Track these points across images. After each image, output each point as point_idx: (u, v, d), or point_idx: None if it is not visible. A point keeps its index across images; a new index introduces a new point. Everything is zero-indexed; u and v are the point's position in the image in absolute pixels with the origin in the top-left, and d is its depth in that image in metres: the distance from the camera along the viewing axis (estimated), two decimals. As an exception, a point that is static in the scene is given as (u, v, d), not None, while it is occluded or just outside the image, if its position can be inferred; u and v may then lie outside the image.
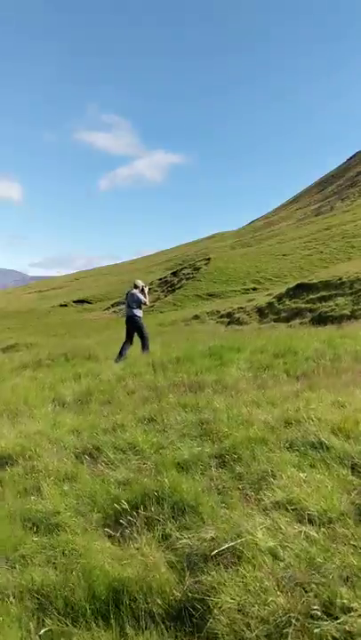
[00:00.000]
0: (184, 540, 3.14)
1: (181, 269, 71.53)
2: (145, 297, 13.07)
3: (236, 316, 38.71)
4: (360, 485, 3.35)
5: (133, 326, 13.00)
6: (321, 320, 30.64)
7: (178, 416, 5.56)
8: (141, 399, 7.69)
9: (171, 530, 3.32)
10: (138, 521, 3.49)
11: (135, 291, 13.05)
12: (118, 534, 3.45)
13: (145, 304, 13.13)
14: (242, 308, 40.18)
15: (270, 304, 37.73)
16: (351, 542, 2.68)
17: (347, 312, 29.40)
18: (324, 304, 32.18)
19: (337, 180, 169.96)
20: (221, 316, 41.18)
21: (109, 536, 3.51)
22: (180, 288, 60.76)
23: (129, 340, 13.20)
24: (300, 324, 31.46)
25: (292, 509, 3.14)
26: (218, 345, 11.41)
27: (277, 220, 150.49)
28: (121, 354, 12.69)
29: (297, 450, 4.14)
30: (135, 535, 3.35)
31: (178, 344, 14.06)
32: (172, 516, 3.51)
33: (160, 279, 71.79)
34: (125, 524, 3.53)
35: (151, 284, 71.04)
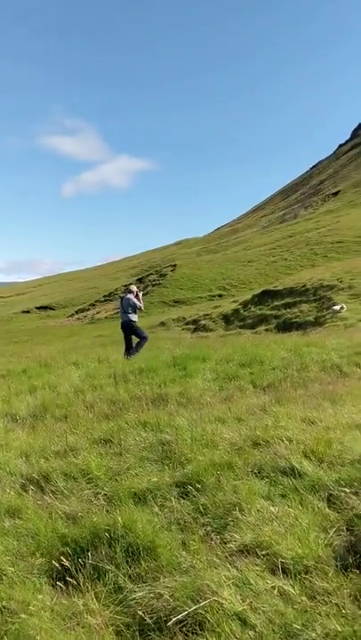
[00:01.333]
0: (138, 594, 2.68)
1: (147, 276, 71.07)
2: (140, 302, 13.26)
3: (202, 322, 38.46)
4: (338, 521, 2.98)
5: (130, 330, 13.25)
6: (286, 327, 30.65)
7: (137, 436, 5.10)
8: (100, 414, 7.20)
9: (123, 580, 2.85)
10: (86, 567, 3.01)
11: (130, 296, 13.26)
12: (63, 584, 2.96)
13: (140, 309, 13.37)
14: (208, 314, 39.97)
15: (236, 311, 37.63)
16: (333, 600, 2.29)
17: (311, 318, 29.47)
18: (288, 310, 32.23)
19: (300, 188, 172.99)
20: (187, 323, 40.86)
21: (53, 586, 3.02)
22: (145, 295, 60.20)
23: (129, 344, 13.49)
24: (266, 330, 31.43)
25: (263, 555, 2.73)
26: (183, 354, 10.99)
27: (243, 226, 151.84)
28: (128, 353, 13.09)
29: (266, 476, 3.74)
30: (83, 586, 2.88)
31: (142, 353, 13.62)
32: (126, 561, 3.05)
33: (125, 285, 71.04)
34: (73, 571, 3.05)
35: (116, 290, 70.33)
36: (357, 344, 10.45)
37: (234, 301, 42.24)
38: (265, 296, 36.75)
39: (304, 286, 34.70)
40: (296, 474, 3.60)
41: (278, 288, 36.97)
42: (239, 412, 6.07)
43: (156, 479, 3.93)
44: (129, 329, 13.26)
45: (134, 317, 13.28)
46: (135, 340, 13.55)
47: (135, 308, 13.18)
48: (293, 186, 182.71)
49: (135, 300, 13.13)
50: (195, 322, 39.87)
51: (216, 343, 15.17)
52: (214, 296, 55.22)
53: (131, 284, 63.32)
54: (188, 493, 3.70)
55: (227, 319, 37.17)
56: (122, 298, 13.64)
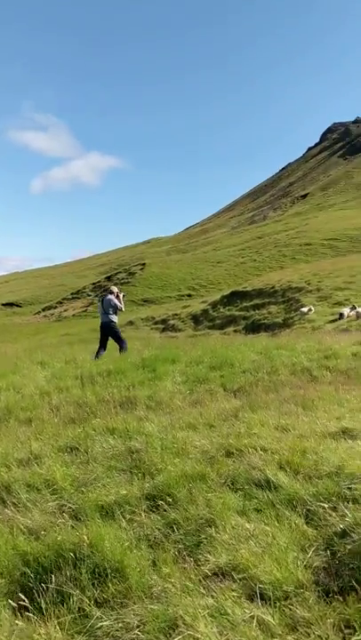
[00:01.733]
0: (105, 622, 2.48)
1: (116, 274, 70.53)
2: (120, 303, 13.30)
3: (171, 322, 38.33)
4: (316, 540, 2.84)
5: (109, 332, 13.23)
6: (254, 328, 30.81)
7: (105, 443, 4.88)
8: (67, 418, 6.95)
9: (89, 605, 2.65)
10: (49, 590, 2.80)
11: (111, 296, 13.23)
12: (24, 609, 2.74)
13: (121, 310, 13.36)
14: (177, 314, 39.85)
15: (205, 311, 37.63)
16: (315, 631, 2.14)
17: (279, 320, 29.69)
18: (257, 312, 32.40)
19: (270, 189, 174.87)
20: (156, 323, 40.68)
21: (13, 611, 2.79)
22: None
23: (103, 346, 13.44)
24: (235, 331, 31.55)
25: (240, 579, 2.57)
26: (152, 356, 10.79)
27: (213, 227, 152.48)
28: (97, 356, 12.94)
29: (241, 489, 3.59)
30: (46, 612, 2.66)
31: (110, 353, 13.36)
32: (93, 583, 2.84)
33: (94, 283, 70.43)
34: (35, 593, 2.83)
35: (84, 288, 69.58)
36: (327, 347, 10.45)
37: (203, 302, 42.26)
38: (234, 297, 36.86)
39: (273, 288, 34.96)
40: (271, 486, 3.46)
41: (247, 289, 37.13)
42: (210, 418, 5.92)
43: (124, 491, 3.73)
44: (108, 330, 13.22)
45: (114, 318, 13.24)
46: (112, 342, 13.57)
47: (116, 309, 13.17)
48: (263, 187, 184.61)
49: (116, 301, 13.14)
50: (164, 321, 39.72)
51: (186, 344, 15.01)
52: (183, 296, 55.21)
53: (115, 283, 62.72)
54: (159, 507, 3.51)
55: (196, 319, 37.14)
56: (102, 298, 13.58)
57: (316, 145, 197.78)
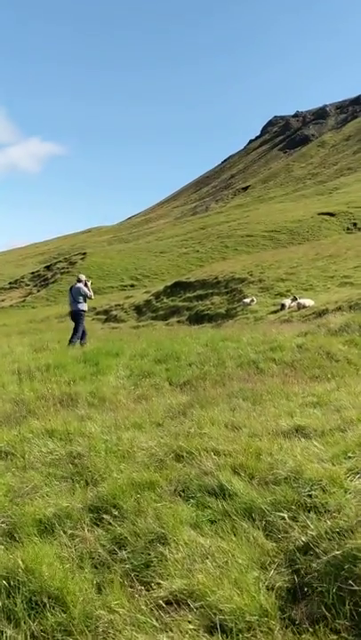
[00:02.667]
0: (42, 666, 2.16)
1: (56, 263, 68.73)
2: (90, 291, 13.47)
3: (114, 313, 37.71)
4: (277, 555, 2.62)
5: (76, 320, 13.33)
6: (198, 318, 30.76)
7: (44, 447, 4.49)
8: (2, 417, 6.46)
9: (25, 643, 2.31)
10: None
11: (80, 285, 13.35)
12: None
13: (90, 297, 13.64)
14: (119, 305, 39.25)
15: (148, 302, 37.25)
16: (285, 671, 1.91)
17: (222, 311, 29.78)
18: (200, 302, 32.36)
19: (212, 181, 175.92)
20: (98, 313, 39.90)
21: None
22: (54, 282, 58.21)
23: (82, 331, 13.55)
24: (178, 322, 31.39)
25: (197, 608, 2.30)
26: (94, 349, 10.38)
27: (155, 217, 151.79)
28: (71, 342, 12.99)
29: (192, 497, 3.32)
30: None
31: (51, 345, 12.80)
32: (29, 615, 2.49)
33: (32, 273, 68.32)
34: None
35: (22, 277, 67.43)
36: (272, 339, 10.38)
37: (146, 292, 41.84)
38: (177, 287, 36.68)
39: (216, 278, 35.03)
40: (226, 494, 3.20)
41: (190, 280, 37.06)
42: (158, 416, 5.64)
43: (65, 503, 3.38)
44: (76, 317, 13.31)
45: (84, 307, 13.46)
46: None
47: (85, 297, 13.32)
48: (205, 179, 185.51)
49: (85, 289, 13.26)
50: (106, 312, 39.02)
51: (129, 336, 14.63)
52: (126, 286, 54.53)
53: (54, 273, 60.94)
54: (103, 520, 3.19)
55: (139, 310, 36.70)
56: (71, 287, 13.68)
57: (257, 138, 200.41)
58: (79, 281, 13.51)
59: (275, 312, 24.66)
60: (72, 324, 13.81)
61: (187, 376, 8.59)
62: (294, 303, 22.47)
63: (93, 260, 62.86)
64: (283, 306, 23.69)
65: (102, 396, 7.68)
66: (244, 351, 9.73)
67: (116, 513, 3.20)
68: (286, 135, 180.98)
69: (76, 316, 13.31)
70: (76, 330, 13.21)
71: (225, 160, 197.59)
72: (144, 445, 4.42)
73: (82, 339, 13.14)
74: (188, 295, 34.26)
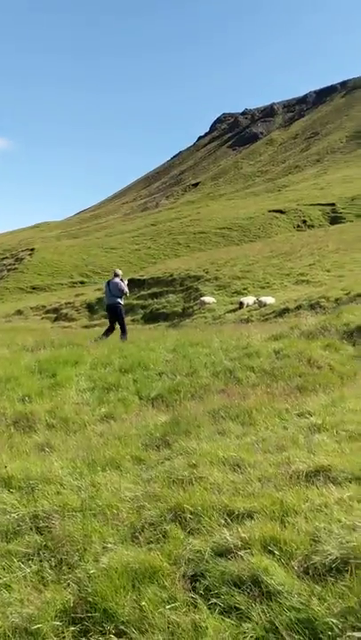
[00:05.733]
0: None
1: (2, 259, 65.90)
2: (126, 287, 13.37)
3: (64, 311, 36.16)
4: None
5: (115, 314, 13.33)
6: (153, 317, 29.82)
7: (-3, 503, 3.44)
8: None
9: None
10: None
11: (117, 279, 13.24)
12: None
13: (126, 294, 13.51)
14: (70, 303, 37.70)
15: (100, 299, 35.90)
16: None
17: (178, 310, 28.97)
18: (156, 301, 31.41)
19: (162, 177, 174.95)
20: (48, 312, 38.22)
21: None
22: (1, 279, 55.68)
23: (112, 327, 13.60)
24: (133, 321, 30.30)
25: None
26: (50, 357, 9.21)
27: (105, 212, 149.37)
28: (106, 335, 13.18)
29: (216, 594, 2.29)
30: None
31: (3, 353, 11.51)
32: None
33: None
34: None
35: (-34, 274, 64.32)
36: (246, 344, 9.58)
37: (98, 289, 40.45)
38: (131, 285, 35.33)
39: (171, 276, 34.18)
40: (264, 591, 2.23)
41: (145, 277, 36.01)
42: (135, 447, 4.69)
43: (31, 608, 2.36)
44: (115, 311, 13.32)
45: (122, 301, 13.35)
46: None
47: (122, 293, 13.23)
48: (155, 174, 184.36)
49: (123, 285, 13.19)
50: (56, 310, 37.41)
51: (86, 339, 13.41)
52: (76, 283, 52.83)
53: (0, 270, 58.22)
54: (92, 638, 2.22)
55: (91, 308, 35.33)
56: (108, 282, 13.57)
57: (207, 134, 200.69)
58: (116, 275, 13.43)
59: (233, 311, 24.05)
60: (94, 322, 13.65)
61: (158, 389, 7.65)
62: (250, 299, 22.08)
63: (42, 256, 60.65)
64: (241, 304, 23.12)
65: (63, 415, 6.64)
66: (217, 358, 8.88)
67: (110, 627, 2.23)
68: (235, 132, 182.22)
69: (115, 309, 13.31)
70: (121, 325, 13.32)
71: (175, 156, 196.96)
72: (128, 496, 3.47)
73: (123, 334, 13.11)
74: (142, 293, 33.20)
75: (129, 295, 14.63)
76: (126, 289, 13.45)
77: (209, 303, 25.86)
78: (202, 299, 26.59)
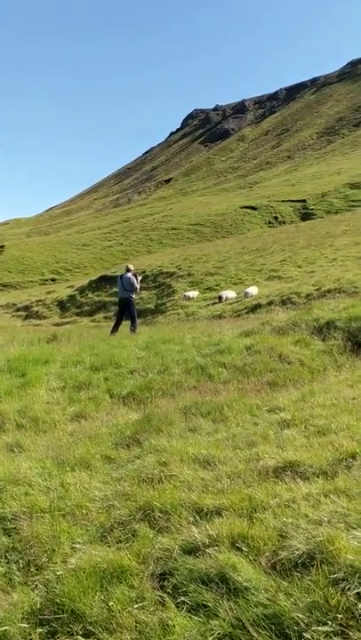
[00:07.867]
0: None
1: (-29, 256, 64.63)
2: (137, 283, 13.79)
3: (35, 309, 35.73)
4: None
5: (127, 306, 13.84)
6: (126, 314, 29.71)
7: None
8: None
9: None
10: None
11: (129, 274, 13.69)
12: None
13: (136, 290, 13.91)
14: (41, 300, 37.26)
15: (72, 297, 35.63)
16: None
17: (152, 306, 28.93)
18: (128, 297, 31.29)
19: (133, 173, 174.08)
20: (18, 310, 37.72)
21: None
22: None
23: (120, 321, 14.20)
24: (105, 318, 30.17)
25: None
26: (20, 356, 9.08)
27: (76, 208, 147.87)
28: (116, 329, 13.79)
29: (184, 592, 2.31)
30: None
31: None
32: None
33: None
34: None
35: None
36: (218, 340, 9.60)
37: (69, 286, 40.10)
38: (103, 282, 35.35)
39: (143, 272, 34.03)
40: (232, 587, 2.25)
41: (117, 274, 35.73)
42: (106, 445, 4.66)
43: (1, 613, 2.33)
44: (127, 304, 13.79)
45: (134, 295, 13.90)
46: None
47: (133, 287, 13.66)
48: (127, 170, 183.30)
49: (134, 280, 13.63)
50: (26, 308, 36.94)
51: (51, 335, 13.27)
52: (47, 280, 52.22)
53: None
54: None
55: (62, 306, 34.99)
56: (121, 276, 14.01)
57: (178, 130, 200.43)
58: (128, 270, 13.91)
59: (207, 306, 24.14)
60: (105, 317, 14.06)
61: (129, 386, 7.61)
62: (230, 293, 22.58)
63: (12, 252, 59.72)
64: (220, 298, 23.31)
65: (33, 415, 6.55)
66: (189, 355, 8.88)
67: (79, 629, 2.21)
68: (207, 128, 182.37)
69: (127, 303, 13.78)
70: (132, 317, 13.85)
71: (146, 152, 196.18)
72: (98, 495, 3.44)
73: (133, 325, 13.70)
74: (114, 290, 33.00)
75: (139, 290, 14.92)
76: (137, 284, 13.84)
77: (193, 297, 26.07)
78: (185, 294, 26.79)
